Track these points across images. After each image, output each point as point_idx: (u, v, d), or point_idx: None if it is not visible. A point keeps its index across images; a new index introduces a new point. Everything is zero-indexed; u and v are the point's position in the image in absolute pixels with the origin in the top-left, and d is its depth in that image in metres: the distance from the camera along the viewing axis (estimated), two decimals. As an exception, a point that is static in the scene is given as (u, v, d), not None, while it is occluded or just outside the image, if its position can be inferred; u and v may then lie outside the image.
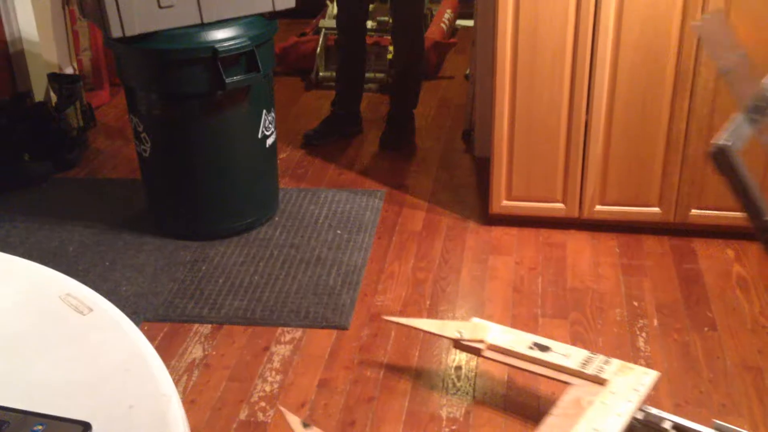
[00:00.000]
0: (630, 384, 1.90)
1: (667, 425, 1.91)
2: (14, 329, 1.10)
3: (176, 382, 1.00)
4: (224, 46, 2.61)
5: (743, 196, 1.29)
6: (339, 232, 2.91)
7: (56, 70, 3.89)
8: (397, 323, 2.35)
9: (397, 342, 2.36)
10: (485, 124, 3.22)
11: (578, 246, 2.81)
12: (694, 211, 2.77)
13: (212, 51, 2.59)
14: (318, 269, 2.69)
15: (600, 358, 1.98)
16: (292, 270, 2.69)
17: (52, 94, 3.74)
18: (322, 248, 2.82)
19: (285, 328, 2.41)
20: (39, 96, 3.69)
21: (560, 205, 2.84)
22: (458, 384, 2.19)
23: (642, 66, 2.60)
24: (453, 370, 2.24)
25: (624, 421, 1.81)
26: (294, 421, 2.03)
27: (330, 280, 2.63)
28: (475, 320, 2.16)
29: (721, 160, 1.30)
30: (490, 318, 2.44)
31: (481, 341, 2.08)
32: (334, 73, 4.11)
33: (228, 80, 2.63)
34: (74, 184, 3.32)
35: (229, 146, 2.80)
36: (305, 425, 2.00)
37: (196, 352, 2.33)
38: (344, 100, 3.68)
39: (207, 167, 2.80)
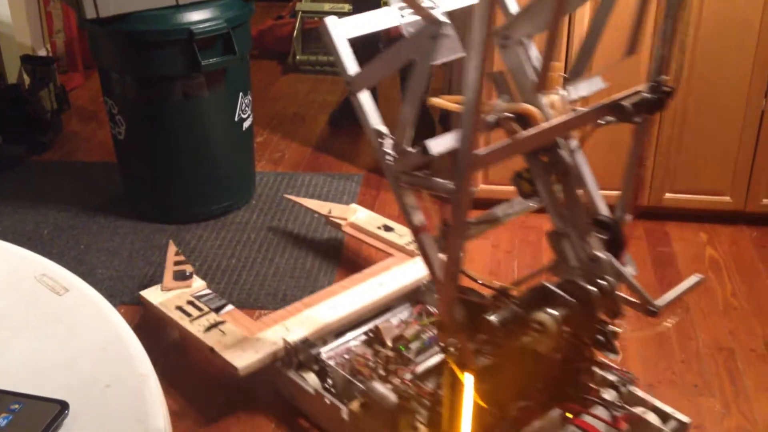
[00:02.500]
0: None
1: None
2: (-10, 310, 1.10)
3: (153, 365, 1.01)
4: (200, 28, 2.59)
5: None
6: (316, 216, 2.91)
7: (29, 52, 3.84)
8: (293, 200, 2.88)
9: (374, 324, 2.37)
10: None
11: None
12: (667, 195, 2.80)
13: (188, 33, 2.57)
14: (295, 252, 2.69)
15: None
16: (269, 253, 2.69)
17: (25, 76, 3.69)
18: (299, 232, 2.82)
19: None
20: (12, 78, 3.64)
21: (536, 189, 2.86)
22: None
23: (616, 51, 2.62)
24: (429, 352, 2.26)
25: (405, 281, 2.24)
26: (172, 251, 2.37)
27: (307, 264, 2.64)
28: (353, 206, 2.71)
29: (323, 30, 1.57)
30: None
31: (344, 219, 2.62)
32: (310, 57, 4.09)
33: (204, 62, 2.61)
34: (48, 167, 3.29)
35: (204, 129, 2.78)
36: (177, 253, 2.36)
37: (173, 334, 2.32)
38: None
39: (183, 150, 2.79)
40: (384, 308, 2.22)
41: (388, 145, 1.56)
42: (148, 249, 2.71)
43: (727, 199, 2.78)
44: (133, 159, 2.88)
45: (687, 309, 2.42)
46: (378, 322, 2.14)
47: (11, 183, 3.15)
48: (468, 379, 1.57)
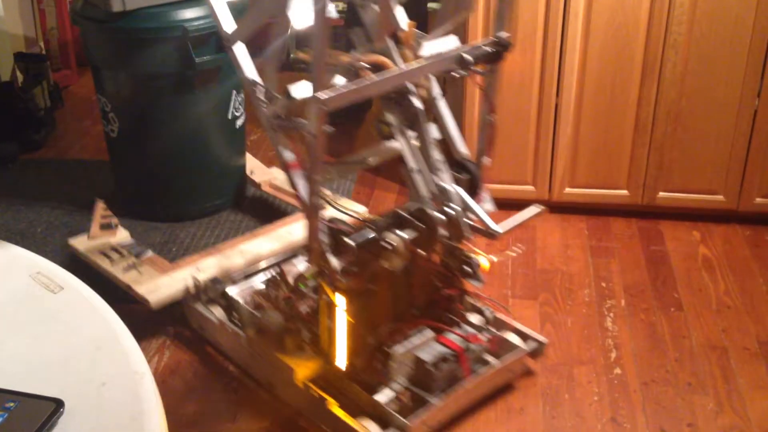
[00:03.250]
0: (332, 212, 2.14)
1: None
2: (-16, 307, 1.09)
3: (148, 362, 1.01)
4: (194, 26, 2.59)
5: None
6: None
7: (22, 50, 3.83)
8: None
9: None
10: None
11: (548, 228, 2.84)
12: (661, 194, 2.81)
13: (182, 30, 2.57)
14: (289, 251, 2.70)
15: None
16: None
17: (18, 73, 3.68)
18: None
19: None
20: (5, 76, 3.63)
21: (530, 188, 2.87)
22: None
23: (611, 50, 2.63)
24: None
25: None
26: (99, 206, 2.53)
27: (301, 262, 2.64)
28: (273, 169, 2.92)
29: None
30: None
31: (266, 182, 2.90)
32: (304, 55, 4.08)
33: (198, 60, 2.61)
34: (41, 165, 3.28)
35: (198, 127, 2.78)
36: (105, 209, 2.52)
37: (168, 332, 2.32)
38: None
39: (176, 148, 2.79)
40: (291, 254, 2.42)
41: (260, 92, 1.85)
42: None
43: (720, 198, 2.79)
44: (126, 157, 2.87)
45: (681, 308, 2.43)
46: (283, 264, 2.34)
47: (4, 181, 3.14)
48: (340, 300, 1.83)
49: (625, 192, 2.83)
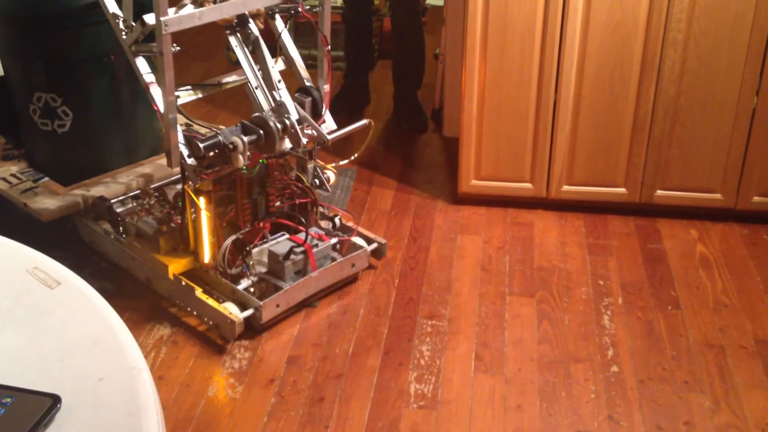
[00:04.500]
0: None
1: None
2: (-19, 302, 1.09)
3: (145, 358, 1.01)
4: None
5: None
6: (308, 210, 2.92)
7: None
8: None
9: (366, 319, 2.37)
10: (454, 103, 3.23)
11: (545, 225, 2.84)
12: (659, 192, 2.81)
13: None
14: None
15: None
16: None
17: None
18: (291, 226, 2.82)
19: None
20: None
21: (528, 185, 2.87)
22: (425, 361, 2.21)
23: (610, 47, 2.63)
24: (421, 348, 2.26)
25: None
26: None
27: (299, 258, 2.65)
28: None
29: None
30: (457, 295, 2.46)
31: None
32: (303, 51, 4.07)
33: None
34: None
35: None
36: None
37: (164, 329, 2.32)
38: (354, 73, 3.68)
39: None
40: (173, 179, 2.70)
41: (122, 23, 2.24)
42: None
43: (717, 196, 2.79)
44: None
45: (678, 306, 2.43)
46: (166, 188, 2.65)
47: None
48: (201, 200, 2.24)
49: (623, 190, 2.83)
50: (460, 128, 2.82)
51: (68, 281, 1.12)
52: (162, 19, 2.02)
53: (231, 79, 2.41)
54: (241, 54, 2.34)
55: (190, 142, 2.18)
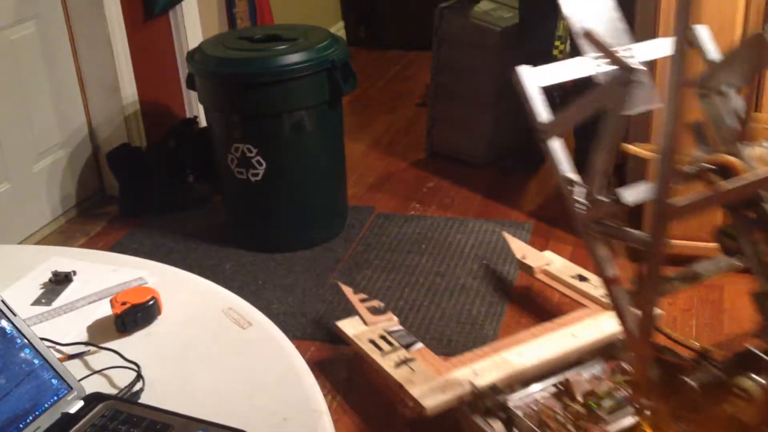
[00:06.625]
0: None
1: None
2: (181, 338, 1.18)
3: (327, 401, 1.04)
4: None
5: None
6: (485, 262, 2.91)
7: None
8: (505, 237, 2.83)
9: (540, 376, 2.32)
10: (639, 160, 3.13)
11: (737, 289, 2.68)
12: None
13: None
14: (462, 298, 2.70)
15: None
16: (436, 297, 2.71)
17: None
18: (467, 278, 2.82)
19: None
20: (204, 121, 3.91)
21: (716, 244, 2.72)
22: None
23: None
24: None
25: (599, 335, 2.16)
26: (349, 291, 2.40)
27: (473, 310, 2.63)
28: (547, 253, 2.69)
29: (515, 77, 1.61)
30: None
31: (537, 265, 2.61)
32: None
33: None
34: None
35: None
36: (355, 293, 2.36)
37: (341, 372, 2.38)
38: None
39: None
40: (575, 361, 2.13)
41: (578, 193, 1.57)
42: (320, 287, 2.80)
43: None
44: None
45: None
46: (569, 374, 2.06)
47: (199, 219, 3.35)
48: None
49: None
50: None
51: (259, 323, 1.19)
52: (676, 203, 1.34)
53: (716, 267, 1.68)
54: (748, 245, 1.53)
55: (668, 371, 1.51)
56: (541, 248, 2.99)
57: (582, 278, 2.48)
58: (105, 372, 1.11)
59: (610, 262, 1.55)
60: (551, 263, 2.61)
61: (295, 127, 2.90)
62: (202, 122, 3.80)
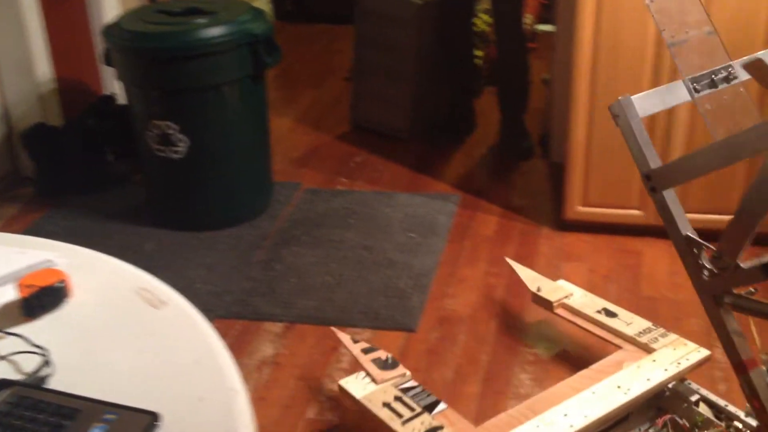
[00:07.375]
0: (674, 356, 1.94)
1: (694, 398, 1.91)
2: (92, 321, 1.14)
3: (246, 380, 1.02)
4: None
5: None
6: (412, 235, 2.91)
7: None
8: (513, 266, 2.42)
9: (466, 345, 2.35)
10: (562, 129, 3.18)
11: (655, 254, 2.74)
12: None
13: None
14: (389, 272, 2.70)
15: (659, 331, 2.04)
16: (363, 272, 2.70)
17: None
18: (394, 251, 2.82)
19: (354, 329, 2.42)
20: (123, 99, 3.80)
21: (637, 212, 2.78)
22: (525, 389, 2.17)
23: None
24: (522, 373, 2.22)
25: (650, 386, 1.85)
26: (347, 338, 2.10)
27: (400, 283, 2.64)
28: (561, 282, 2.30)
29: (616, 110, 1.46)
30: (560, 323, 2.41)
31: (555, 299, 2.22)
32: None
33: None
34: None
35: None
36: (355, 341, 2.06)
37: (267, 350, 2.36)
38: (460, 99, 3.72)
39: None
40: (622, 416, 1.88)
41: (705, 258, 1.34)
42: (246, 265, 2.76)
43: None
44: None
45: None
46: None
47: (119, 198, 3.26)
48: None
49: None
50: (567, 154, 2.77)
51: (173, 302, 1.16)
52: None
53: None
54: None
55: None
56: (468, 220, 3.02)
57: (610, 313, 2.14)
58: (11, 358, 1.07)
59: (744, 341, 1.33)
60: (570, 296, 2.23)
61: (217, 102, 2.85)
62: (121, 99, 3.70)
